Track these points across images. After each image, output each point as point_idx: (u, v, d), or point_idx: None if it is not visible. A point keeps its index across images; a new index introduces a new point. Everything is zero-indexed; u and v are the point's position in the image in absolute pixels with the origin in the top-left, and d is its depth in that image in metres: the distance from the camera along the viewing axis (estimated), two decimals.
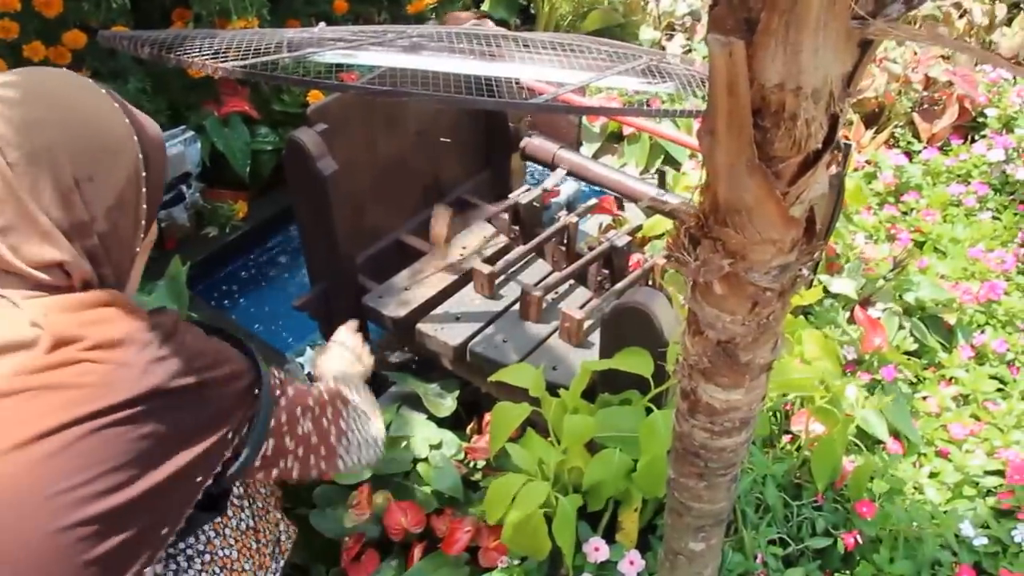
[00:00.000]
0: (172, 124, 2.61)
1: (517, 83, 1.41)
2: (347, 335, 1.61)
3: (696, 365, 0.90)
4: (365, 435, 1.26)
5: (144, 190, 0.97)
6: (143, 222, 0.99)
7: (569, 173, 2.25)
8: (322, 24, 1.73)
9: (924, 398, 1.91)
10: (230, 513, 1.18)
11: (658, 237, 2.23)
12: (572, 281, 2.02)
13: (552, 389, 1.59)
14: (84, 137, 0.92)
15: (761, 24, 0.63)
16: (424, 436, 1.84)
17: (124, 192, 0.95)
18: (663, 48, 3.38)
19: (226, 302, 2.72)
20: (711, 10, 0.66)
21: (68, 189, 0.90)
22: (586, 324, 1.87)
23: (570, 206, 2.46)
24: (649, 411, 1.47)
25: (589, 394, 1.59)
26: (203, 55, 1.33)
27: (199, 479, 0.96)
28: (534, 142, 2.31)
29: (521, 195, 2.18)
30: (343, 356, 1.52)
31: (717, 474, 1.01)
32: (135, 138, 0.96)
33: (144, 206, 0.98)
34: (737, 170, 0.71)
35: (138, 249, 1.00)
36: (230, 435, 0.99)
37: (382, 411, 1.43)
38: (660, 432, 1.37)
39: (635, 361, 1.44)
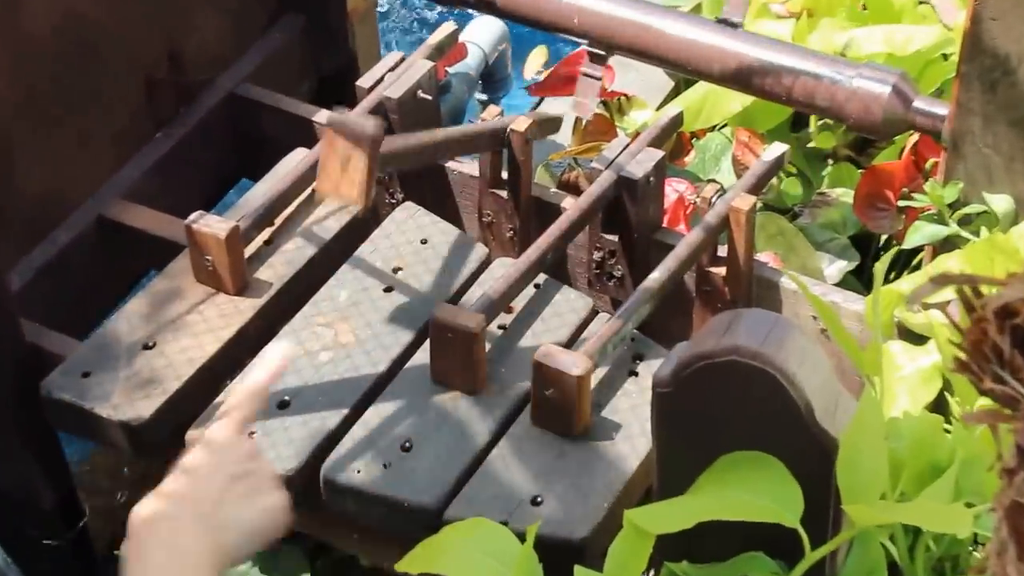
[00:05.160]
0: None
1: None
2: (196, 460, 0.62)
3: None
4: None
5: None
6: None
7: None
8: None
9: None
10: None
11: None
12: (545, 276, 0.91)
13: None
14: None
15: None
16: None
17: None
18: None
19: None
20: None
21: None
22: (593, 381, 0.78)
23: (488, 78, 1.31)
24: None
25: None
26: None
27: None
28: None
29: (390, 87, 1.01)
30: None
31: None
32: None
33: None
34: None
35: None
36: None
37: None
38: None
39: (766, 501, 0.63)
